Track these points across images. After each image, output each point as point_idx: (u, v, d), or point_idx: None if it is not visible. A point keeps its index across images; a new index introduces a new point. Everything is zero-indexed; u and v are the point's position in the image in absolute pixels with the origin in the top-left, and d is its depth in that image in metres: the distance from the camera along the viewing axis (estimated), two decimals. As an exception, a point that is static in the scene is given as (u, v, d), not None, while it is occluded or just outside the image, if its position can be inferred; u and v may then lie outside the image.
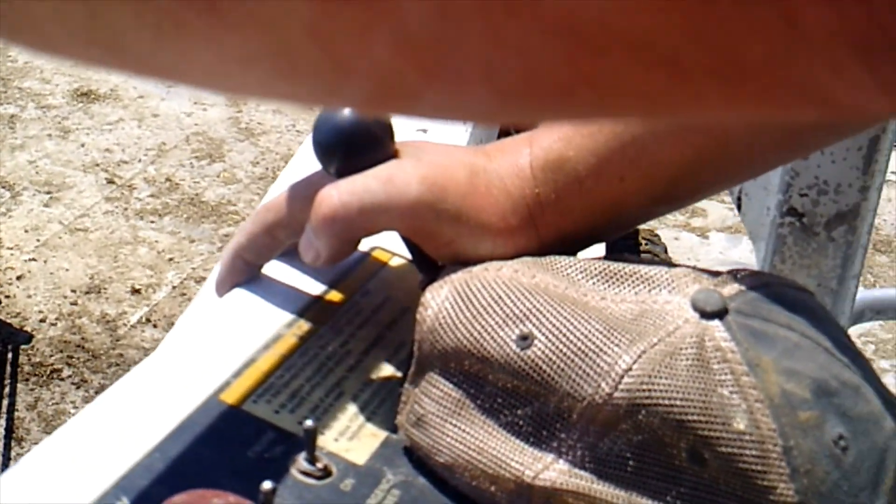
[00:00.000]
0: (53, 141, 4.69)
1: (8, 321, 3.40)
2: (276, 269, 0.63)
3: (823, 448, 0.45)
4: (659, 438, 0.46)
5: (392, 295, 0.63)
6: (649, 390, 0.46)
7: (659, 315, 0.48)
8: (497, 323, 0.50)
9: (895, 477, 0.47)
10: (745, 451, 0.45)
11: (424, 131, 0.97)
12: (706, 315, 0.47)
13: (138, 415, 0.51)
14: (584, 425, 0.47)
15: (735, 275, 0.50)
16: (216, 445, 0.50)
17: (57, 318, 3.63)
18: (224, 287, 0.62)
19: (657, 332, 0.47)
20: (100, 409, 0.51)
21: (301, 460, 0.49)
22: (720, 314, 0.47)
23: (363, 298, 0.62)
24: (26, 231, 4.11)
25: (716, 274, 0.51)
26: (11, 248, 3.97)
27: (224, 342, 0.57)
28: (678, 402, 0.45)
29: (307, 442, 0.49)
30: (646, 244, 2.23)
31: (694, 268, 0.52)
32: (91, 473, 0.47)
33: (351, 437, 0.53)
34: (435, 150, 0.59)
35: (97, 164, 4.49)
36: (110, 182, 4.27)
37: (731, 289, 0.49)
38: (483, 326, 0.50)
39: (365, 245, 0.64)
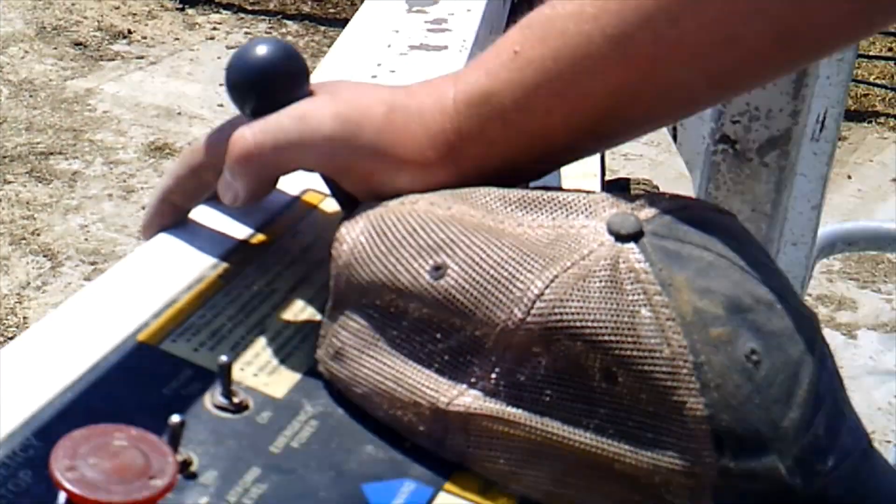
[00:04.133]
0: (113, 202, 4.76)
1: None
2: (204, 215, 0.65)
3: (735, 363, 0.48)
4: (572, 361, 0.48)
5: (322, 235, 0.64)
6: (561, 314, 0.49)
7: (574, 239, 0.51)
8: (411, 255, 0.53)
9: (809, 389, 0.49)
10: (656, 369, 0.47)
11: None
12: (621, 238, 0.50)
13: (55, 354, 0.53)
14: (500, 352, 0.50)
15: (653, 198, 0.53)
16: (131, 384, 0.52)
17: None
18: (151, 230, 0.65)
19: (571, 255, 0.50)
20: (19, 347, 0.53)
21: (216, 395, 0.52)
22: (635, 237, 0.50)
23: (292, 239, 0.65)
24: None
25: (634, 198, 0.53)
26: None
27: (146, 283, 0.59)
28: (590, 324, 0.48)
29: (222, 376, 0.51)
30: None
31: (612, 193, 0.54)
32: (2, 411, 0.49)
33: (271, 373, 0.55)
34: (352, 88, 0.61)
35: (153, 232, 4.59)
36: (163, 254, 4.41)
37: (649, 212, 0.52)
38: (397, 259, 0.53)
39: (298, 187, 0.68)
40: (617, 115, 0.58)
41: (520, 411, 0.49)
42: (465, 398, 0.50)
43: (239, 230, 0.65)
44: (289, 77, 0.59)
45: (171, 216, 0.64)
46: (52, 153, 5.24)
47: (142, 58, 6.29)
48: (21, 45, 6.34)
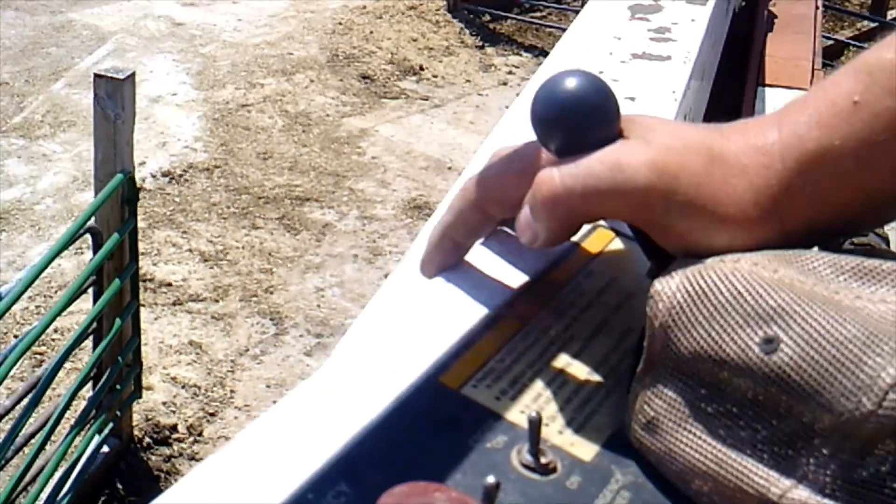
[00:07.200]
0: (356, 265, 4.53)
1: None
2: (494, 249, 0.68)
3: None
4: None
5: (617, 277, 0.67)
6: None
7: None
8: (737, 322, 0.52)
9: None
10: None
11: (632, 99, 1.06)
12: None
13: (355, 390, 0.56)
14: (836, 443, 0.49)
15: None
16: (436, 431, 0.54)
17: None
18: (430, 267, 0.67)
19: None
20: (318, 382, 0.56)
21: (524, 453, 0.53)
22: None
23: (586, 280, 0.66)
24: (268, 387, 3.91)
25: None
26: (241, 408, 3.76)
27: (443, 322, 0.62)
28: None
29: (531, 434, 0.52)
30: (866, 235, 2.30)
31: None
32: (307, 451, 0.51)
33: (576, 431, 0.56)
34: (665, 131, 0.60)
35: (393, 308, 4.30)
36: (397, 338, 4.29)
37: None
38: (722, 326, 0.52)
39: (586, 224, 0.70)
40: None
41: None
42: (800, 492, 0.49)
43: (530, 268, 0.67)
44: (600, 115, 0.60)
45: (451, 253, 0.67)
46: (308, 199, 5.05)
47: (426, 99, 6.06)
48: (309, 72, 6.26)
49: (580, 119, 0.59)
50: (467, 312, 0.64)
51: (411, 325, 0.62)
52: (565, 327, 0.62)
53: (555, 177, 0.58)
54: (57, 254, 3.23)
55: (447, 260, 0.67)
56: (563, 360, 0.60)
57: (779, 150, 0.58)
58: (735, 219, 0.57)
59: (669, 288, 0.55)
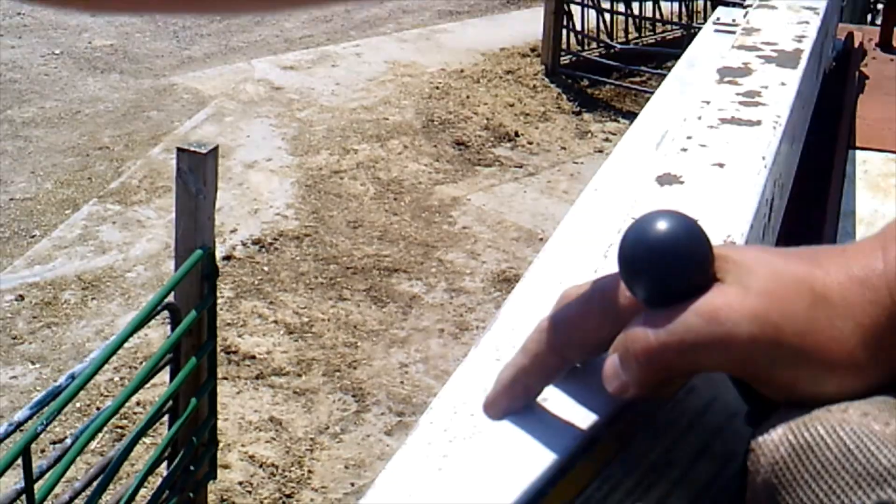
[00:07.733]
0: (441, 340, 4.47)
1: None
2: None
3: None
4: None
5: (719, 397, 0.63)
6: None
7: None
8: (847, 484, 0.48)
9: None
10: None
11: (721, 166, 1.06)
12: None
13: None
14: None
15: None
16: None
17: None
18: (497, 411, 0.64)
19: None
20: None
21: None
22: None
23: (687, 397, 0.63)
24: (346, 467, 3.83)
25: None
26: (317, 490, 3.69)
27: (531, 441, 0.59)
28: None
29: None
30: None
31: None
32: None
33: None
34: (762, 271, 0.57)
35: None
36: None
37: None
38: (830, 487, 0.48)
39: None
40: None
41: None
42: None
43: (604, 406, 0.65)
44: (692, 262, 0.56)
45: (521, 397, 0.64)
46: (396, 270, 5.00)
47: (520, 166, 6.02)
48: (403, 138, 6.25)
49: (671, 267, 0.56)
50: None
51: (507, 443, 0.59)
52: (665, 451, 0.60)
53: (649, 333, 0.56)
54: (134, 331, 3.20)
55: (516, 404, 0.64)
56: (663, 489, 0.57)
57: (885, 284, 0.55)
58: (843, 364, 0.54)
59: (772, 440, 0.52)
